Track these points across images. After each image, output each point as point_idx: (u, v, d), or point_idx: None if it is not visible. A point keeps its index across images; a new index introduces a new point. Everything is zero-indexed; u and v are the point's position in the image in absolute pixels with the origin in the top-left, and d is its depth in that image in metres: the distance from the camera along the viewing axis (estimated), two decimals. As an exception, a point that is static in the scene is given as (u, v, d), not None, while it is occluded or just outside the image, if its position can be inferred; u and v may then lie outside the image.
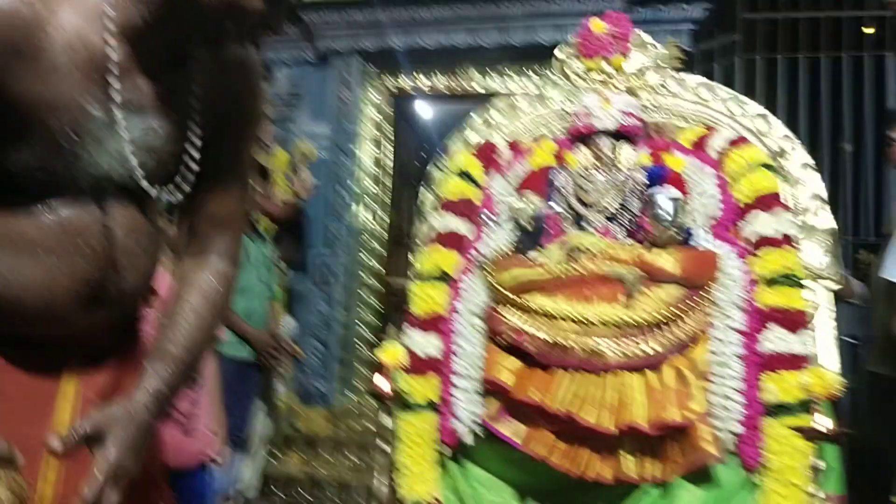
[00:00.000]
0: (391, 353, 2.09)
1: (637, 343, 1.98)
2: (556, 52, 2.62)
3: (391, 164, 5.19)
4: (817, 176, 2.41)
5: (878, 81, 4.37)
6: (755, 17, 4.57)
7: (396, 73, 5.02)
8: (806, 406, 1.94)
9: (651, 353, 1.98)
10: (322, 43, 4.80)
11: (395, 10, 4.57)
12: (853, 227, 4.29)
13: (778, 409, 2.00)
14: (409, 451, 2.19)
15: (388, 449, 2.10)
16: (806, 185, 2.39)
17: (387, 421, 2.08)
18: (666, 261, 2.08)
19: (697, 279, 2.10)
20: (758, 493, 2.00)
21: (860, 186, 4.29)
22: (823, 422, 1.78)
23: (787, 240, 2.18)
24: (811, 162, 2.44)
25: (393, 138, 5.19)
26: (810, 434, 1.81)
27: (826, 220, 2.36)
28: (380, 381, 2.07)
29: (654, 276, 2.08)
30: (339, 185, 4.85)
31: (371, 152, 5.08)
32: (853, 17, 4.45)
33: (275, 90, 4.93)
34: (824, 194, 2.40)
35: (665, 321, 2.02)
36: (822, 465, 1.80)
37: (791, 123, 2.85)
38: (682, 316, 2.04)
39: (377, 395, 2.10)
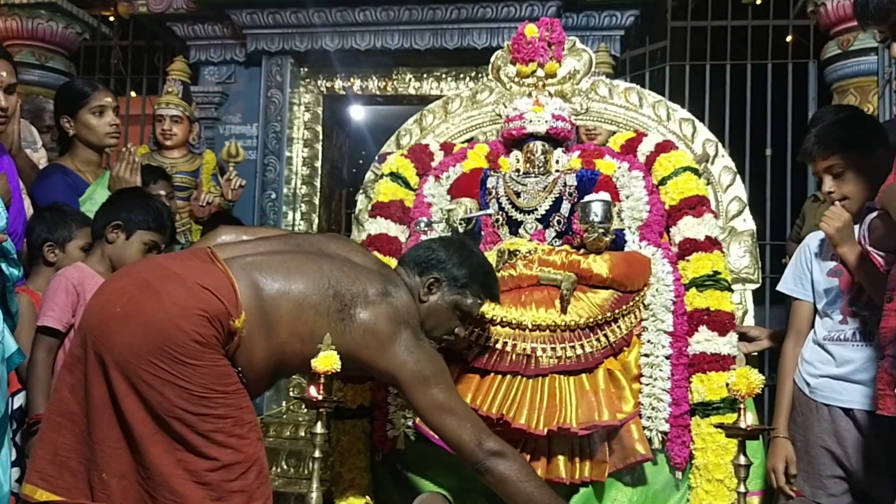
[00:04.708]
0: (326, 360, 2.05)
1: (571, 346, 2.00)
2: (493, 57, 2.62)
3: (321, 166, 5.11)
4: (739, 179, 2.48)
5: (799, 88, 4.52)
6: (683, 24, 4.68)
7: (328, 75, 4.95)
8: (731, 404, 1.99)
9: (584, 356, 2.00)
10: (252, 43, 4.70)
11: (327, 11, 4.51)
12: (772, 230, 4.42)
13: (704, 408, 2.04)
14: (342, 459, 2.17)
15: (321, 457, 2.05)
16: (728, 189, 2.45)
17: (320, 429, 2.04)
18: (600, 266, 2.10)
19: (630, 283, 2.13)
20: (685, 489, 2.04)
21: (780, 191, 4.42)
22: (746, 419, 1.82)
23: (715, 244, 2.23)
24: (733, 165, 2.50)
25: (323, 140, 5.11)
26: (732, 431, 1.84)
27: (747, 222, 2.42)
28: (313, 389, 2.02)
29: (589, 281, 2.10)
30: (268, 186, 4.77)
31: (301, 154, 4.99)
32: (777, 27, 4.60)
33: (203, 90, 4.80)
34: (745, 197, 2.47)
35: (598, 324, 2.04)
36: (744, 461, 1.83)
37: (716, 128, 2.91)
38: (616, 319, 2.07)
39: (310, 402, 2.04)
